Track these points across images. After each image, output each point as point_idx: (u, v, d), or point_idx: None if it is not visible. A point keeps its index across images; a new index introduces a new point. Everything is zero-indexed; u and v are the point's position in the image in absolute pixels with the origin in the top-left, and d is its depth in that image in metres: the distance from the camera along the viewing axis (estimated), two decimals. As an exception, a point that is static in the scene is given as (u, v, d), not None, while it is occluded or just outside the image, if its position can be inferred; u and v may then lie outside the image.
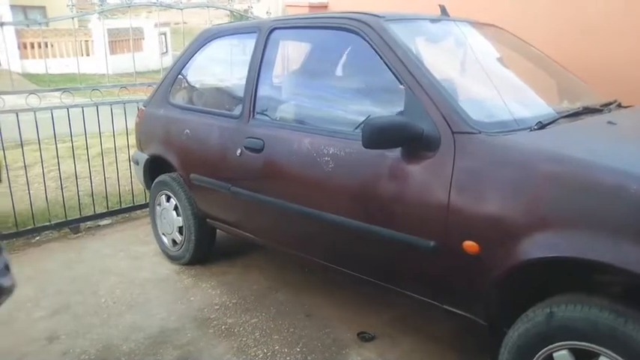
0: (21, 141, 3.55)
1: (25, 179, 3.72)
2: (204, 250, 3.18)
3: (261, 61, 2.61)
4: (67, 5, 3.81)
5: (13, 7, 15.76)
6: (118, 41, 16.12)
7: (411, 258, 1.92)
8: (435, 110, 1.83)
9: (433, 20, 2.46)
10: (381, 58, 2.04)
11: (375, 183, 1.99)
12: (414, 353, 2.32)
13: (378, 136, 1.79)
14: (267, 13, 5.17)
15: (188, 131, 2.88)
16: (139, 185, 3.82)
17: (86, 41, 16.05)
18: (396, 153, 1.91)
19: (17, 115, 3.44)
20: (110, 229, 3.99)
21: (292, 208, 2.33)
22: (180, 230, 3.15)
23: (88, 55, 15.67)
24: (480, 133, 1.77)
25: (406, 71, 1.94)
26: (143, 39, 16.73)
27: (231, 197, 2.65)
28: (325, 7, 5.62)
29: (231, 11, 5.00)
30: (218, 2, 5.06)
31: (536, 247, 1.54)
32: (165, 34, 17.35)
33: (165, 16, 16.39)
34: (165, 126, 3.12)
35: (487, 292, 1.72)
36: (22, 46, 15.33)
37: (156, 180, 3.28)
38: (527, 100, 2.24)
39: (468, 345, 2.33)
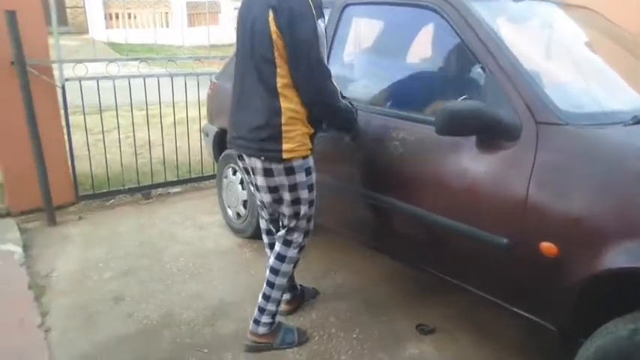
0: (100, 107, 3.71)
1: (103, 144, 3.90)
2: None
3: (333, 39, 2.53)
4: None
5: (101, -22, 16.51)
6: (195, 14, 16.51)
7: (482, 255, 1.81)
8: (518, 97, 1.69)
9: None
10: (460, 38, 1.91)
11: (446, 172, 1.88)
12: (473, 350, 2.22)
13: (453, 122, 1.68)
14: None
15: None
16: (209, 157, 3.90)
17: (166, 13, 16.57)
18: (470, 141, 1.79)
19: (97, 82, 3.59)
20: (179, 197, 4.12)
21: (357, 192, 2.27)
22: (245, 204, 3.18)
23: (167, 26, 16.19)
24: (566, 124, 1.61)
25: (487, 53, 1.80)
26: (219, 13, 17.05)
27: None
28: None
29: None
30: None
31: (625, 255, 1.39)
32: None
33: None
34: (235, 100, 3.13)
35: (561, 299, 1.59)
36: (109, 17, 16.06)
37: (224, 153, 3.32)
38: (621, 91, 2.04)
39: (531, 349, 2.20)
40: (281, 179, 2.04)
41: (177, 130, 4.16)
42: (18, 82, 3.23)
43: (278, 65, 1.91)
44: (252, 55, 1.97)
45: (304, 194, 2.09)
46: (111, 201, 3.96)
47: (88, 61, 3.60)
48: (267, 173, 2.05)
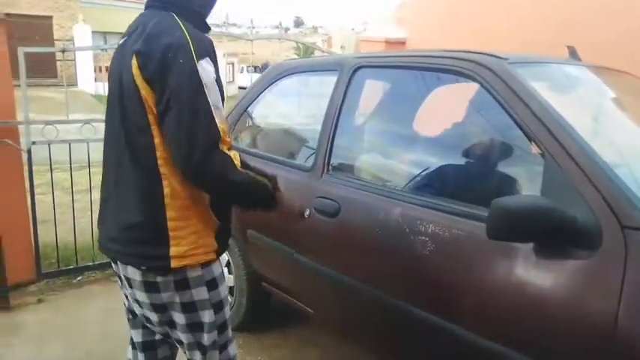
0: (70, 171, 3.31)
1: (72, 211, 3.44)
2: (256, 316, 2.72)
3: (341, 105, 2.17)
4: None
5: (94, 32, 16.51)
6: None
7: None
8: (593, 192, 1.30)
9: (566, 65, 1.94)
10: (507, 112, 1.54)
11: (492, 283, 1.46)
12: None
13: (511, 223, 1.27)
14: (341, 48, 4.84)
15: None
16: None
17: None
18: (528, 245, 1.38)
19: (70, 146, 3.21)
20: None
21: (369, 293, 1.83)
22: (231, 290, 2.72)
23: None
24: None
25: (546, 133, 1.43)
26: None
27: (293, 264, 2.19)
28: (403, 43, 5.21)
29: (297, 42, 4.71)
30: (284, 35, 4.79)
31: None
32: (233, 63, 17.62)
33: (233, 47, 16.63)
34: (223, 170, 2.73)
35: None
36: (98, 69, 15.95)
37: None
38: None
39: None
40: (170, 296, 1.45)
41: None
42: (-25, 145, 2.83)
43: (154, 134, 1.36)
44: (122, 123, 1.41)
45: (207, 316, 1.49)
46: (78, 278, 3.46)
47: (59, 122, 3.21)
48: (151, 288, 1.45)
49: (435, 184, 1.83)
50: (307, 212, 2.09)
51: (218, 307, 1.51)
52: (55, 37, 17.52)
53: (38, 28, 16.92)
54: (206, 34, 1.44)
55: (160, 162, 1.37)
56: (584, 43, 2.27)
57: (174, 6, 1.42)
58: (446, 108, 2.02)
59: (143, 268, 1.43)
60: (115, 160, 1.46)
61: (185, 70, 1.29)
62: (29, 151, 3.13)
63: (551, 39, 2.80)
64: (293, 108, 2.93)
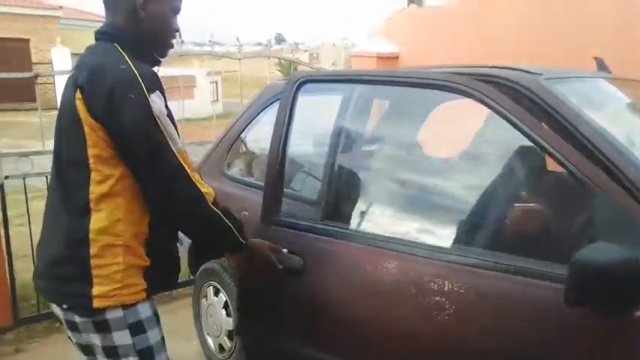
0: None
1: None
2: (259, 361, 2.47)
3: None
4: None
5: (74, 54, 16.24)
6: (170, 88, 16.23)
7: None
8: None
9: (600, 79, 1.75)
10: (541, 140, 1.32)
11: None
12: None
13: (608, 283, 1.03)
14: (332, 64, 4.66)
15: (246, 213, 2.24)
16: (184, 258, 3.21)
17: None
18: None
19: (47, 178, 2.94)
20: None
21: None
22: (230, 335, 2.48)
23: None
24: None
25: (600, 161, 1.22)
26: (195, 87, 16.80)
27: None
28: (396, 58, 5.06)
29: (279, 59, 4.55)
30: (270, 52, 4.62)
31: None
32: (216, 82, 17.42)
33: (216, 64, 16.46)
34: (218, 202, 2.50)
35: None
36: (79, 92, 15.66)
37: (202, 267, 2.64)
38: None
39: None
40: (91, 337, 1.39)
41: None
42: (-60, 183, 2.57)
43: (93, 168, 1.33)
44: (58, 157, 1.42)
45: None
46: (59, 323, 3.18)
47: (34, 154, 2.96)
48: (73, 327, 1.40)
49: (449, 229, 1.56)
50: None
51: (146, 354, 1.40)
52: (33, 60, 17.19)
53: (15, 52, 16.60)
54: (150, 67, 1.41)
55: (91, 197, 1.33)
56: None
57: (118, 38, 1.38)
58: (471, 133, 1.79)
59: (64, 306, 1.38)
60: (51, 194, 1.47)
61: (137, 106, 1.28)
62: (1, 186, 2.87)
63: (553, 49, 2.66)
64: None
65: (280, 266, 1.61)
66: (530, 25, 3.85)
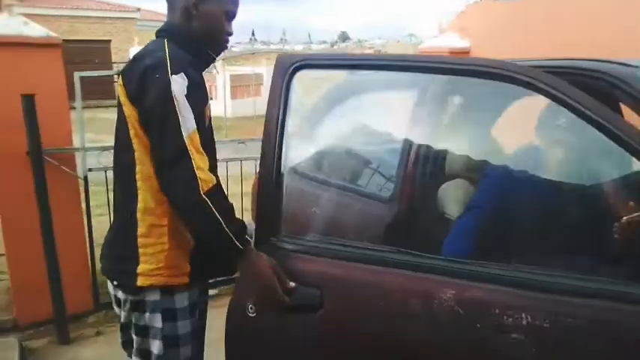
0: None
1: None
2: None
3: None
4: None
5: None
6: (239, 86, 16.70)
7: None
8: None
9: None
10: None
11: None
12: None
13: None
14: (401, 59, 4.56)
15: (316, 211, 2.22)
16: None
17: (210, 85, 16.89)
18: None
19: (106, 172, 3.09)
20: (223, 301, 3.45)
21: None
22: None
23: (211, 98, 16.41)
24: None
25: None
26: (262, 84, 17.16)
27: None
28: (467, 53, 4.89)
29: None
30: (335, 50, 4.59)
31: None
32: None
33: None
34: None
35: None
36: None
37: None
38: None
39: None
40: (127, 315, 1.49)
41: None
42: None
43: (136, 148, 1.40)
44: (115, 142, 1.50)
45: (156, 348, 1.44)
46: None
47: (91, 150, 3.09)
48: (118, 303, 1.52)
49: (527, 251, 1.35)
50: (252, 309, 1.39)
51: (171, 342, 1.45)
52: (113, 59, 18.21)
53: (97, 52, 17.64)
54: (192, 57, 1.45)
55: (137, 176, 1.40)
56: None
57: (172, 35, 1.46)
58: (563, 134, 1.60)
59: (115, 283, 1.49)
60: (114, 175, 1.56)
61: (159, 85, 1.32)
62: (86, 179, 3.05)
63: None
64: (375, 123, 2.58)
65: (287, 299, 1.31)
66: (611, 21, 3.58)
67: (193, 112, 1.34)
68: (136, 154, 1.39)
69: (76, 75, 2.93)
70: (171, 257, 1.41)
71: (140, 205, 1.40)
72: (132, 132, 1.39)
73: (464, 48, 4.87)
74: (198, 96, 1.40)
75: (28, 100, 2.64)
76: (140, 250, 1.40)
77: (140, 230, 1.41)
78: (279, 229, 1.45)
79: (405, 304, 1.24)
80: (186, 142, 1.31)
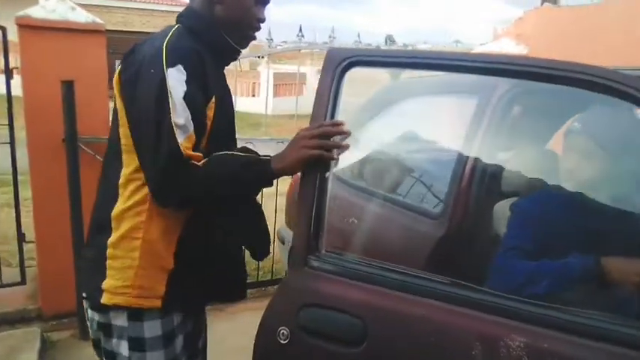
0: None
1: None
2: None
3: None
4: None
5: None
6: (282, 84, 16.75)
7: None
8: None
9: None
10: None
11: None
12: None
13: None
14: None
15: (354, 220, 2.04)
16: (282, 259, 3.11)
17: (254, 83, 16.96)
18: None
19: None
20: (242, 305, 3.31)
21: None
22: None
23: (253, 95, 16.50)
24: None
25: None
26: (304, 84, 17.12)
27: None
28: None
29: None
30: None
31: None
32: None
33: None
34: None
35: None
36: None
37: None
38: None
39: None
40: (97, 334, 1.30)
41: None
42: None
43: (124, 150, 1.24)
44: (109, 134, 1.34)
45: None
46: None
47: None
48: (88, 318, 1.33)
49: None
50: (284, 335, 1.21)
51: None
52: (162, 51, 18.52)
53: (146, 44, 17.96)
54: (210, 49, 1.29)
55: (121, 180, 1.24)
56: None
57: (189, 21, 1.30)
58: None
59: (83, 295, 1.31)
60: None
61: (152, 80, 1.16)
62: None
63: None
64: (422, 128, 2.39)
65: (336, 156, 1.23)
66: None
67: (192, 111, 1.18)
68: (123, 155, 1.24)
69: (118, 64, 2.85)
70: (140, 276, 1.21)
71: (116, 210, 1.23)
72: (121, 130, 1.24)
73: (520, 55, 4.60)
74: (199, 93, 1.22)
75: (68, 87, 2.58)
76: (108, 262, 1.23)
77: (110, 239, 1.23)
78: (319, 246, 1.27)
79: (463, 346, 1.05)
80: (180, 147, 1.15)
